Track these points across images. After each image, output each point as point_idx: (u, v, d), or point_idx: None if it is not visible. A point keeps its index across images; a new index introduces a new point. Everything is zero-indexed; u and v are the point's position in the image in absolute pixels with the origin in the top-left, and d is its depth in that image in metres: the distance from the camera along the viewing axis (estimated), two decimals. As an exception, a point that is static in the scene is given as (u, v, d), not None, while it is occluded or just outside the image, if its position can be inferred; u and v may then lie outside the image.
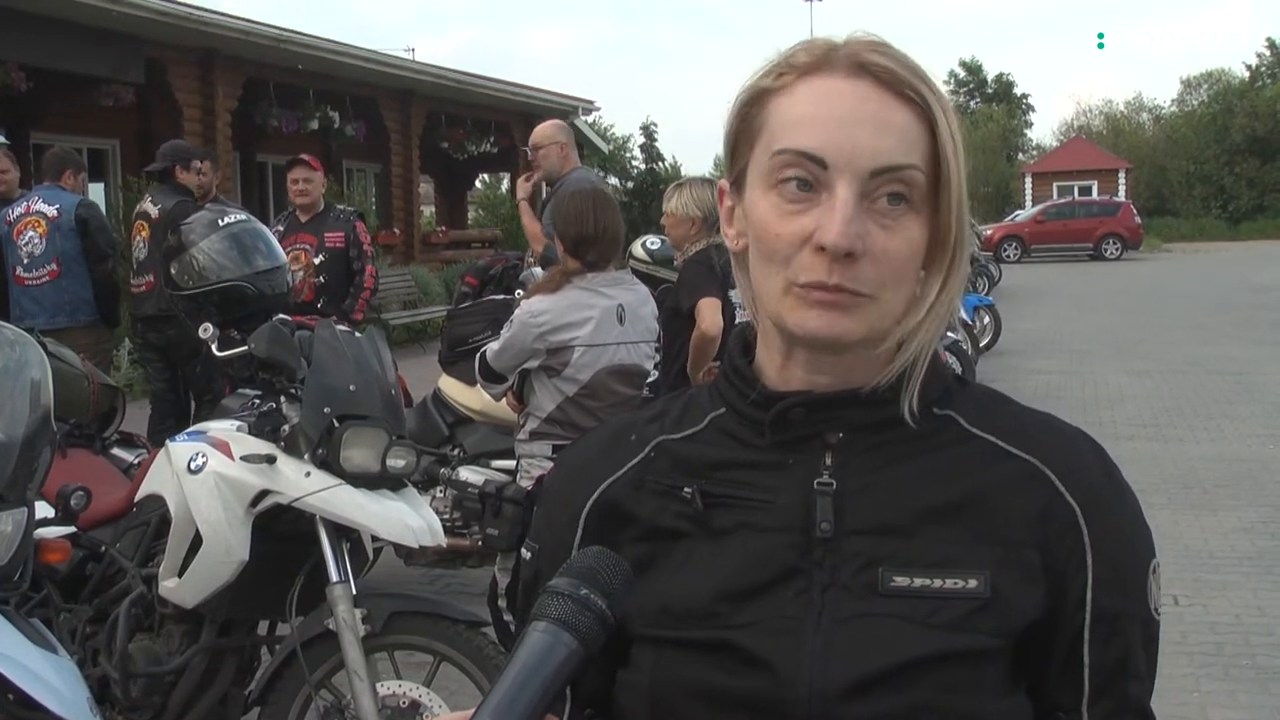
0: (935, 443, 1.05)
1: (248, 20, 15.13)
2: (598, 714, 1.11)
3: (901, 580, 1.00)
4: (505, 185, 28.75)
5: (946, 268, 1.00)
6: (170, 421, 6.98)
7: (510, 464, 4.71)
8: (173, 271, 3.54)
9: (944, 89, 1.00)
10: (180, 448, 3.35)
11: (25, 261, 6.92)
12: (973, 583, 0.99)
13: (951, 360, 8.65)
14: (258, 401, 3.47)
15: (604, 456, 1.13)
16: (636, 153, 45.40)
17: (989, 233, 32.81)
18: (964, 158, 0.99)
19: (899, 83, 0.97)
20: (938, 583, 0.99)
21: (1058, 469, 1.04)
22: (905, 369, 1.03)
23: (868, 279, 0.97)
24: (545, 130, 6.27)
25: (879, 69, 0.98)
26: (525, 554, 1.17)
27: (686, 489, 1.06)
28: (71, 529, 3.35)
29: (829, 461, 1.04)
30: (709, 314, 4.66)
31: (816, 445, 1.04)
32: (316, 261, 6.87)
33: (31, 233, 6.92)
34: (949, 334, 9.37)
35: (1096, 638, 1.03)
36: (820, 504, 1.02)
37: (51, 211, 6.93)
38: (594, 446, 1.16)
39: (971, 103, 61.34)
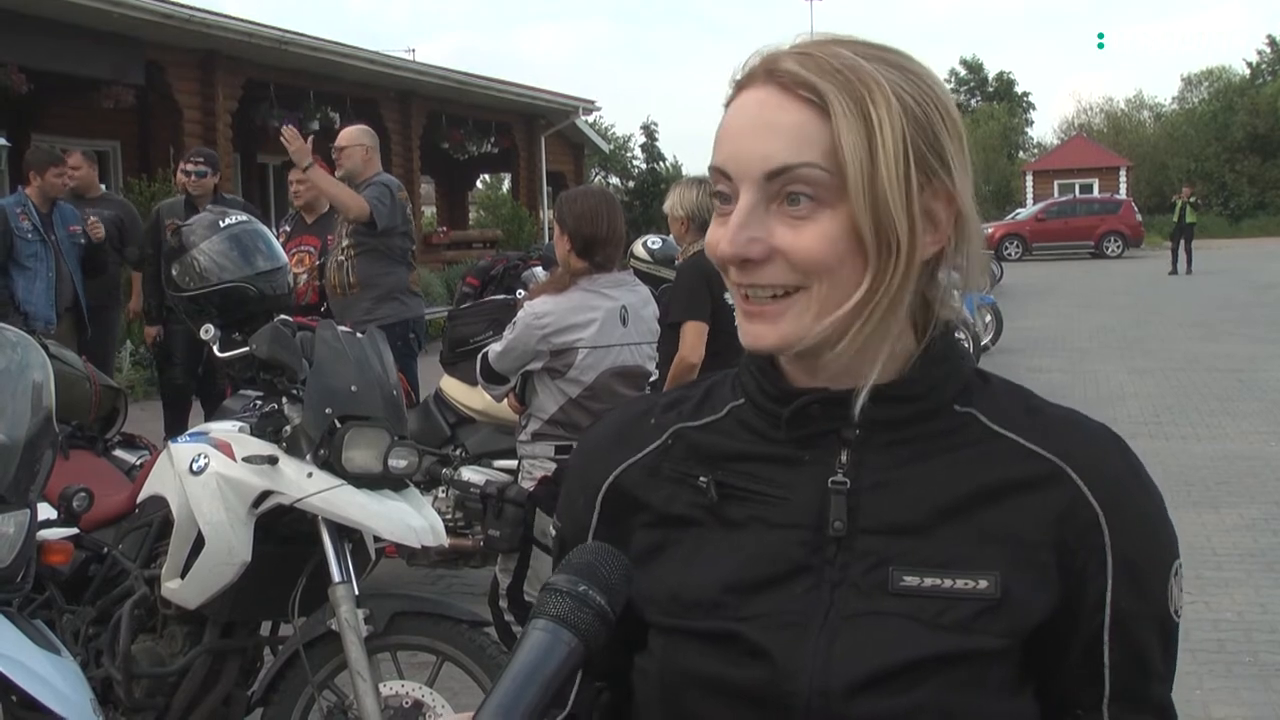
0: (954, 441, 1.04)
1: (248, 21, 15.14)
2: (609, 686, 1.12)
3: (911, 580, 0.99)
4: (506, 186, 28.75)
5: (873, 266, 0.97)
6: None
7: (512, 464, 4.71)
8: (174, 273, 3.54)
9: (883, 79, 0.97)
10: (182, 449, 3.35)
11: None
12: (983, 583, 0.99)
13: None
14: (259, 402, 3.47)
15: (622, 440, 1.14)
16: (637, 152, 45.47)
17: (990, 231, 32.81)
18: (891, 152, 0.95)
19: (798, 83, 0.97)
20: (947, 583, 0.99)
21: (1080, 468, 1.02)
22: (925, 368, 1.04)
23: (782, 276, 0.99)
24: (351, 133, 6.60)
25: (783, 73, 0.98)
26: (552, 530, 1.19)
27: (702, 478, 1.07)
28: (74, 530, 3.36)
29: (844, 459, 1.03)
30: (692, 339, 4.64)
31: (833, 441, 1.04)
32: (319, 263, 6.88)
33: None
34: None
35: (1116, 638, 1.02)
36: (834, 503, 1.02)
37: None
38: (612, 429, 1.17)
39: (972, 101, 61.30)
